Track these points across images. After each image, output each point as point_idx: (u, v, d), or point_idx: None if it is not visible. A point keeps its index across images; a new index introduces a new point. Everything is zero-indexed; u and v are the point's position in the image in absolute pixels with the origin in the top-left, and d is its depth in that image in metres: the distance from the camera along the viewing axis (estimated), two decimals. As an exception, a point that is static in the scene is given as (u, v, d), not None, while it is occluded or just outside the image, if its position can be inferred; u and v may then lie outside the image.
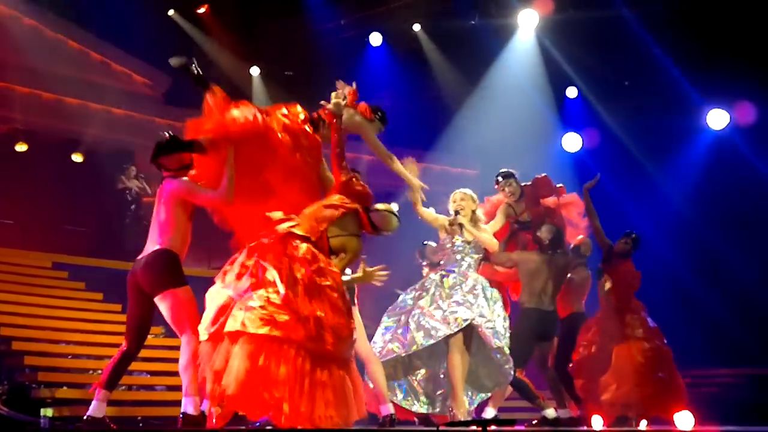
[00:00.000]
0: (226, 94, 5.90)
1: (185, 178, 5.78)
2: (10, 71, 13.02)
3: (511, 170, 8.11)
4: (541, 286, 7.72)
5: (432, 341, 6.67)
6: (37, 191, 13.26)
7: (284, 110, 6.03)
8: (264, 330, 4.95)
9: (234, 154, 5.69)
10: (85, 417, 5.64)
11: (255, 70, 14.68)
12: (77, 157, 13.66)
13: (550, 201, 8.24)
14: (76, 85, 13.28)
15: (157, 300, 5.61)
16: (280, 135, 5.84)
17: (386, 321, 7.00)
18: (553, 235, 7.81)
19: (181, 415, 5.49)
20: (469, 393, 6.96)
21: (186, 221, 5.75)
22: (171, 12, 13.62)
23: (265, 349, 4.95)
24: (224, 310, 5.15)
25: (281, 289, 5.06)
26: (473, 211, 7.15)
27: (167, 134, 5.78)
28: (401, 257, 8.42)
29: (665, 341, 7.86)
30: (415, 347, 6.70)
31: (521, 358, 7.39)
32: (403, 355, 6.78)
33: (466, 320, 6.64)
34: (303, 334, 5.00)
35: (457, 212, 7.05)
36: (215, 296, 5.27)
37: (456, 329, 6.65)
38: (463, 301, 6.75)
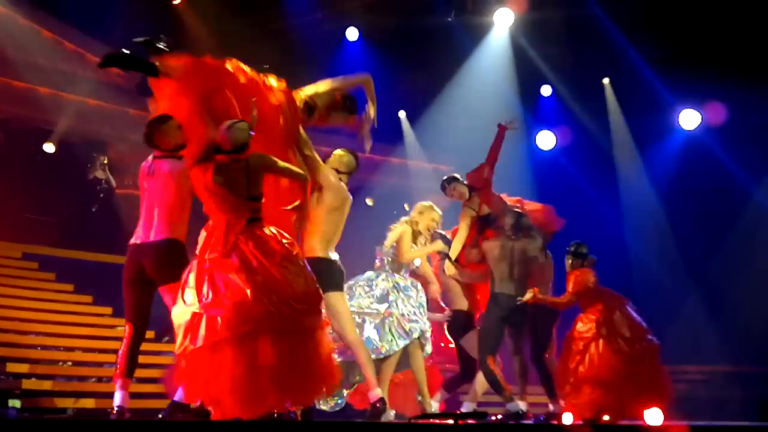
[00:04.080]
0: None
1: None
2: (-19, 60, 12.86)
3: (452, 174, 8.44)
4: (508, 270, 7.59)
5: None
6: (8, 180, 13.09)
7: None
8: (234, 331, 4.96)
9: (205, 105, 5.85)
10: (114, 407, 5.66)
11: (230, 63, 14.54)
12: (49, 147, 13.52)
13: (512, 200, 8.35)
14: (49, 74, 13.14)
15: (162, 290, 5.58)
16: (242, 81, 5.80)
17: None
18: (514, 221, 7.74)
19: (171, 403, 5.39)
20: None
21: (188, 206, 5.70)
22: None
23: (239, 350, 4.96)
24: (190, 328, 5.10)
25: (242, 285, 5.03)
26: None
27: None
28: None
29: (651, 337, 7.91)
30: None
31: (490, 345, 7.45)
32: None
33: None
34: (273, 319, 5.00)
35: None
36: (179, 316, 5.19)
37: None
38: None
